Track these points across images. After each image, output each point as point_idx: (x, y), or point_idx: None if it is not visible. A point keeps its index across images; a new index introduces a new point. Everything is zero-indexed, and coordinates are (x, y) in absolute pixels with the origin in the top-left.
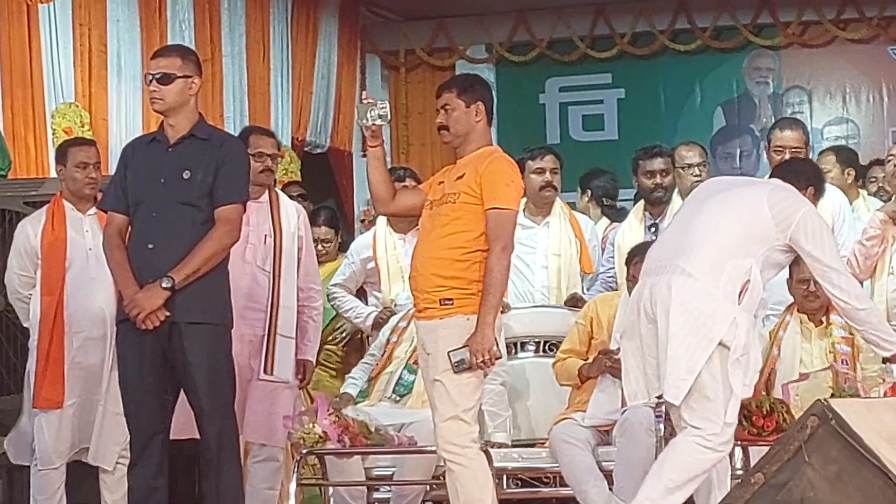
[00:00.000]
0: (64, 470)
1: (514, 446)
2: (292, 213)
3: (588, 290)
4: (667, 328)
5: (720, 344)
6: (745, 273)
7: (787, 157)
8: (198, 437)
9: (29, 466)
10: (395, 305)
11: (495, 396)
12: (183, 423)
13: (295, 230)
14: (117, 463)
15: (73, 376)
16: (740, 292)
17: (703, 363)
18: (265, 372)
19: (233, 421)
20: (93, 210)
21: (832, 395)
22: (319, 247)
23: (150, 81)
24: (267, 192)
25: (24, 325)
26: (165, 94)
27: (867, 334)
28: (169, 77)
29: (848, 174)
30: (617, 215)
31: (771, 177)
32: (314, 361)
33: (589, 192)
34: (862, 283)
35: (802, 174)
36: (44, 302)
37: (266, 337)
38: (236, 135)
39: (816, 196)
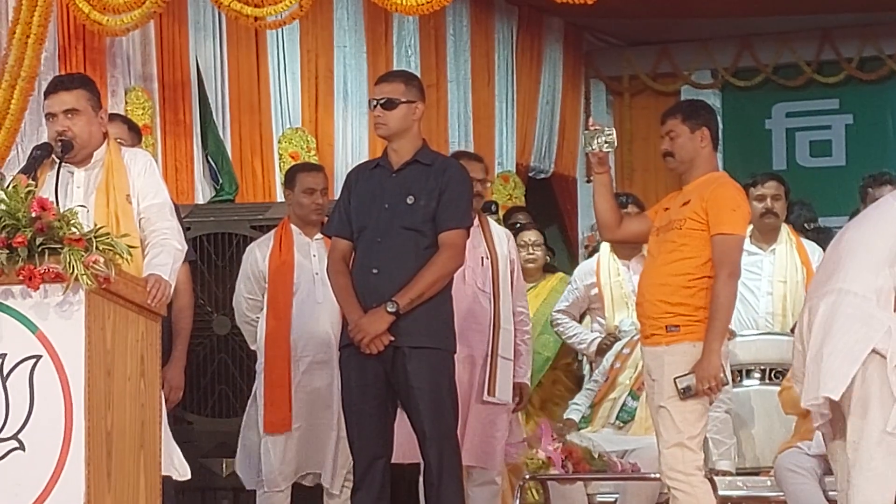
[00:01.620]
0: (289, 493)
1: (738, 474)
2: (502, 236)
3: None
4: (821, 338)
5: (875, 352)
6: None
7: None
8: (419, 461)
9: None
10: (619, 332)
11: (720, 424)
12: (406, 448)
13: (507, 253)
14: (342, 486)
15: (300, 400)
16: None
17: (863, 359)
18: (488, 394)
19: (455, 445)
20: (319, 235)
21: None
22: (530, 250)
23: (374, 107)
24: (476, 216)
25: (252, 348)
26: (389, 120)
27: None
28: (393, 102)
29: None
30: (824, 238)
31: None
32: (529, 385)
33: (790, 225)
34: None
35: None
36: (270, 325)
37: (489, 358)
38: None
39: None
